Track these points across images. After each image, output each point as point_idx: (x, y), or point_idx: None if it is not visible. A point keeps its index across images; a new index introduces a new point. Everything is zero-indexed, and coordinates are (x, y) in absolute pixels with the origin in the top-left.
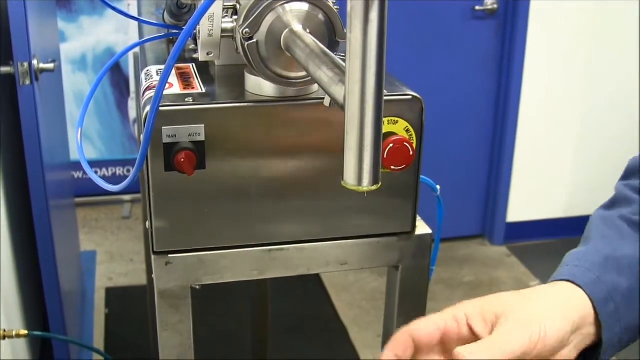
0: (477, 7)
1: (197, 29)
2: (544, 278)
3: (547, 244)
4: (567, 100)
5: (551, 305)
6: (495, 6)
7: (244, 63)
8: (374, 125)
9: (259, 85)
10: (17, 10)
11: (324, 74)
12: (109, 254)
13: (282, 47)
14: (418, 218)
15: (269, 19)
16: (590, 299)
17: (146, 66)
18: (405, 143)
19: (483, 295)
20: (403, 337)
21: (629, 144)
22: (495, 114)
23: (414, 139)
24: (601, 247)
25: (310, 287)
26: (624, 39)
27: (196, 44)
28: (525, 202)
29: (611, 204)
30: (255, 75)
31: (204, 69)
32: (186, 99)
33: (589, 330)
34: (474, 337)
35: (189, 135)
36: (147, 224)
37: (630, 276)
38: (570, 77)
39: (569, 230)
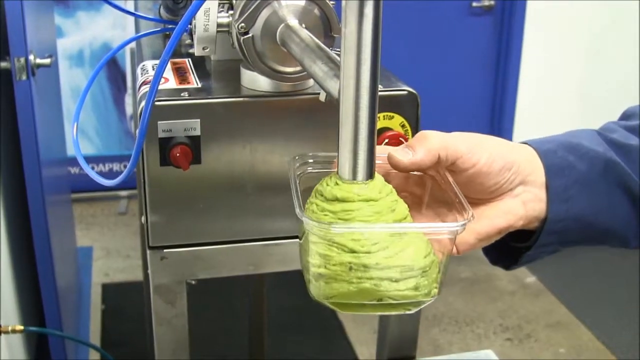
0: (474, 4)
1: (193, 23)
2: (541, 274)
3: None
4: (563, 96)
5: (501, 140)
6: (492, 2)
7: (240, 58)
8: (369, 120)
9: (255, 80)
10: (13, 5)
11: (319, 69)
12: (106, 249)
13: (278, 41)
14: None
15: (264, 14)
16: (543, 163)
17: (142, 61)
18: (400, 138)
19: (481, 294)
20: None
21: None
22: (491, 109)
23: (410, 134)
24: (566, 136)
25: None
26: (622, 35)
27: (192, 39)
28: None
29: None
30: (251, 70)
31: (199, 63)
32: (182, 94)
33: (538, 193)
34: None
35: (185, 130)
36: (143, 218)
37: (591, 165)
38: (566, 73)
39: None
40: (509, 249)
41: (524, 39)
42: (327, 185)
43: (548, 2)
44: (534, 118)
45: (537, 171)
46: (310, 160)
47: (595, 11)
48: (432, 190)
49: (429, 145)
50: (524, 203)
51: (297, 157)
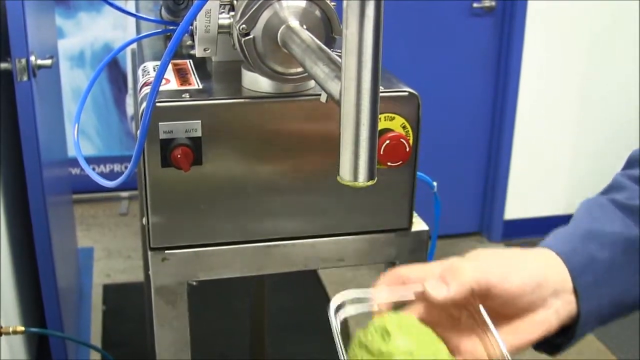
0: (475, 4)
1: (194, 25)
2: None
3: None
4: (564, 97)
5: (521, 256)
6: (493, 3)
7: (241, 59)
8: (370, 121)
9: (256, 81)
10: (14, 6)
11: (320, 70)
12: (107, 250)
13: (279, 43)
14: (415, 215)
15: (265, 15)
16: (567, 267)
17: (143, 62)
18: (401, 139)
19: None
20: (393, 275)
21: (627, 140)
22: (492, 110)
23: (411, 135)
24: (583, 223)
25: (308, 283)
26: (622, 36)
27: (193, 40)
28: (523, 200)
29: (605, 191)
30: (252, 72)
31: (200, 65)
32: (183, 95)
33: (569, 298)
34: None
35: (186, 131)
36: (144, 220)
37: (612, 250)
38: (568, 74)
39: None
40: (549, 341)
41: (525, 40)
42: (371, 337)
43: (549, 3)
44: (535, 119)
45: (565, 279)
46: (350, 298)
47: (596, 12)
48: (468, 311)
49: (462, 278)
50: (556, 311)
51: (335, 302)
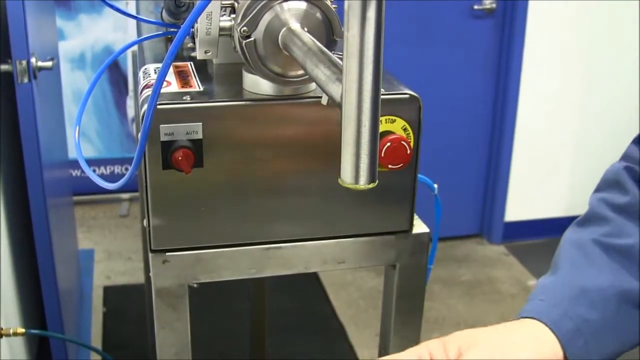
0: (476, 6)
1: (195, 27)
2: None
3: (545, 243)
4: (565, 99)
5: (519, 337)
6: (494, 5)
7: (242, 61)
8: (371, 124)
9: (257, 84)
10: (15, 8)
11: (321, 72)
12: (107, 252)
13: (280, 45)
14: (415, 217)
15: (266, 18)
16: (556, 337)
17: (144, 64)
18: (402, 142)
19: (482, 297)
20: None
21: (627, 143)
22: (493, 113)
23: (412, 137)
24: (571, 277)
25: (308, 285)
26: (623, 38)
27: (194, 43)
28: (523, 201)
29: (584, 221)
30: (253, 74)
31: (202, 67)
32: (184, 97)
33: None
34: None
35: (187, 133)
36: (145, 222)
37: (602, 309)
38: (568, 76)
39: (566, 229)
40: None
41: (526, 42)
42: None
43: (550, 5)
44: (535, 121)
45: (556, 350)
46: None
47: (597, 13)
48: None
49: None
50: None
51: None
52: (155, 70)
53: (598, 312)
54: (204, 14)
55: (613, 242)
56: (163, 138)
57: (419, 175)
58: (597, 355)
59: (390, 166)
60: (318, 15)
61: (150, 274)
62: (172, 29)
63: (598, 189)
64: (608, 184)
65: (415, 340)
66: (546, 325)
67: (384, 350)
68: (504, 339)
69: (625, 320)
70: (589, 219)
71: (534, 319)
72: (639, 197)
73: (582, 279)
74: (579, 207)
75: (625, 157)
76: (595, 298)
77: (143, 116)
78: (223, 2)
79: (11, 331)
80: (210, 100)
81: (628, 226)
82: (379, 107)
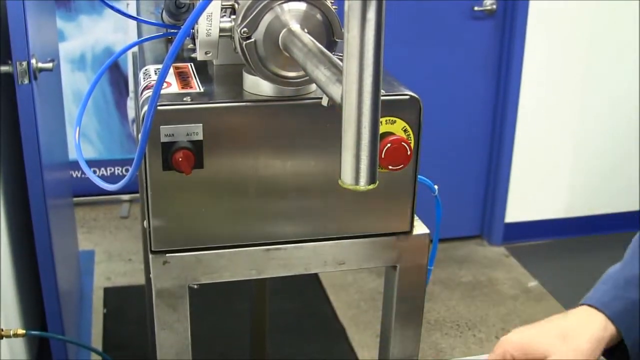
0: (476, 8)
1: (196, 28)
2: (542, 278)
3: (546, 244)
4: (565, 100)
5: (583, 334)
6: (495, 6)
7: (242, 62)
8: (371, 125)
9: (257, 85)
10: (15, 9)
11: (322, 74)
12: (107, 253)
13: (280, 46)
14: (416, 218)
15: (267, 19)
16: (606, 314)
17: (144, 65)
18: (402, 143)
19: (483, 298)
20: None
21: (628, 144)
22: (493, 114)
23: (412, 138)
24: (629, 266)
25: (309, 286)
26: (623, 39)
27: (194, 44)
28: (524, 203)
29: None
30: (254, 75)
31: (202, 68)
32: (184, 98)
33: (613, 336)
34: None
35: (187, 134)
36: (145, 223)
37: None
38: (569, 78)
39: (567, 230)
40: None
41: (526, 42)
42: None
43: (550, 6)
44: (536, 122)
45: (606, 327)
46: None
47: (597, 14)
48: None
49: None
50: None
51: None
52: (155, 71)
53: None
54: (204, 15)
55: None
56: (163, 139)
57: (419, 176)
58: None
59: (390, 167)
60: (318, 16)
61: (151, 275)
62: (173, 30)
63: None
64: None
65: (415, 341)
66: (597, 309)
67: (384, 351)
68: (574, 343)
69: None
70: None
71: (589, 305)
72: None
73: (635, 271)
74: (579, 208)
75: None
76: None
77: (143, 117)
78: (223, 3)
79: (11, 332)
80: (211, 102)
81: None
82: (379, 108)
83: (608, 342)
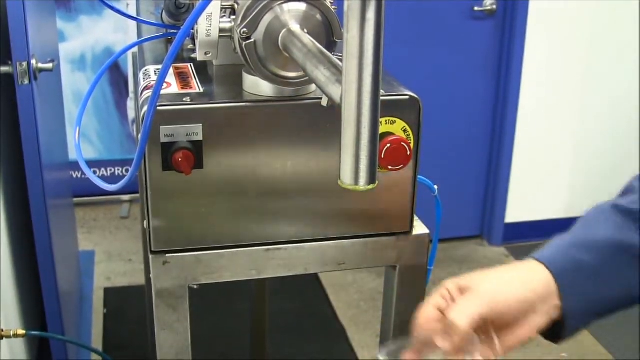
0: (476, 8)
1: (195, 28)
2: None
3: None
4: (565, 100)
5: (511, 277)
6: (495, 7)
7: (242, 63)
8: (371, 125)
9: (257, 85)
10: (15, 9)
11: (321, 74)
12: (108, 253)
13: (280, 47)
14: (416, 218)
15: (266, 19)
16: (550, 271)
17: (144, 66)
18: (402, 143)
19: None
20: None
21: (628, 144)
22: (493, 114)
23: (412, 139)
24: (577, 232)
25: (309, 286)
26: (623, 40)
27: (194, 44)
28: (524, 203)
29: (618, 196)
30: (253, 75)
31: (202, 68)
32: (184, 99)
33: (556, 302)
34: None
35: (187, 134)
36: (145, 223)
37: (599, 255)
38: (569, 78)
39: (566, 230)
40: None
41: (526, 43)
42: None
43: (550, 7)
44: (536, 122)
45: (550, 286)
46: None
47: (597, 14)
48: None
49: (461, 331)
50: (546, 313)
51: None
52: (155, 71)
53: (593, 256)
54: (204, 16)
55: (629, 207)
56: (163, 139)
57: (419, 177)
58: (589, 297)
59: (390, 167)
60: (318, 16)
61: (151, 275)
62: (172, 31)
63: None
64: (624, 192)
65: None
66: (543, 263)
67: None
68: (507, 278)
69: (622, 268)
70: (621, 193)
71: (534, 259)
72: None
73: (586, 234)
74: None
75: None
76: (593, 246)
77: (143, 117)
78: (223, 4)
79: (11, 332)
80: (211, 102)
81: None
82: (378, 109)
83: (549, 314)
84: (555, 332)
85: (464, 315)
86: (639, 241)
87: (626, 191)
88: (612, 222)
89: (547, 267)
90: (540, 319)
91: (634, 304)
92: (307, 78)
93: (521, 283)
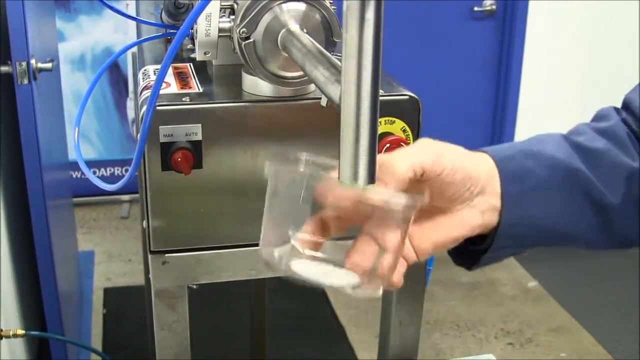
0: (476, 8)
1: (195, 28)
2: (542, 279)
3: None
4: (565, 100)
5: (460, 151)
6: (494, 7)
7: (241, 63)
8: (370, 125)
9: (256, 85)
10: (15, 9)
11: (320, 74)
12: (107, 253)
13: (279, 46)
14: None
15: (266, 19)
16: (500, 171)
17: (144, 66)
18: (401, 143)
19: (482, 299)
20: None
21: None
22: (493, 114)
23: (411, 139)
24: (530, 143)
25: (308, 286)
26: (623, 39)
27: (194, 44)
28: None
29: (592, 119)
30: (252, 75)
31: (201, 68)
32: (183, 99)
33: (495, 204)
34: None
35: (186, 134)
36: (144, 223)
37: (551, 173)
38: (568, 78)
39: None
40: (469, 251)
41: (526, 43)
42: None
43: (550, 6)
44: (536, 122)
45: (494, 181)
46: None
47: (597, 15)
48: None
49: (399, 176)
50: (481, 212)
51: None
52: (154, 71)
53: (544, 171)
54: (203, 15)
55: (583, 143)
56: (162, 139)
57: None
58: (530, 214)
59: None
60: (317, 16)
61: (150, 275)
62: (172, 30)
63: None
64: (598, 118)
65: (415, 342)
66: (494, 159)
67: (383, 351)
68: (454, 147)
69: (565, 196)
70: (569, 133)
71: (486, 152)
72: (619, 122)
73: (539, 146)
74: None
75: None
76: (545, 162)
77: (142, 117)
78: (222, 3)
79: (11, 333)
80: (210, 102)
81: (601, 141)
82: (377, 108)
83: (483, 216)
84: (471, 257)
85: (405, 158)
86: (587, 173)
87: (599, 117)
88: (564, 147)
89: (497, 164)
90: (474, 219)
91: (566, 242)
92: (306, 78)
93: (469, 159)
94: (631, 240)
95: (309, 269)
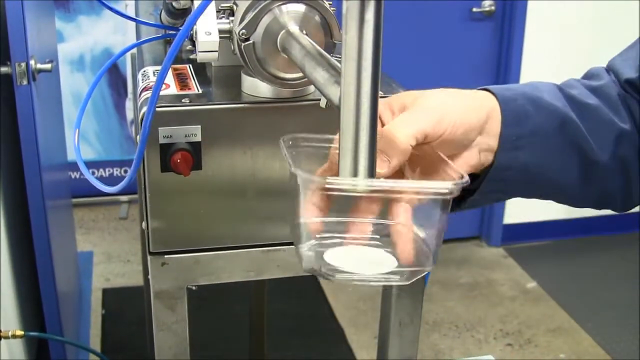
0: (475, 9)
1: (194, 29)
2: (541, 279)
3: (544, 245)
4: None
5: (462, 97)
6: (493, 8)
7: (241, 64)
8: (369, 126)
9: (255, 86)
10: (14, 10)
11: (320, 75)
12: (106, 254)
13: (279, 48)
14: None
15: (265, 20)
16: (501, 112)
17: (143, 67)
18: None
19: (481, 299)
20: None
21: None
22: None
23: None
24: (529, 88)
25: (307, 287)
26: (623, 41)
27: (193, 45)
28: (522, 204)
29: (583, 76)
30: (252, 76)
31: (200, 70)
32: (183, 100)
33: (491, 145)
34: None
35: (185, 136)
36: (143, 224)
37: (548, 119)
38: (567, 78)
39: (565, 232)
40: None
41: (525, 44)
42: None
43: (549, 7)
44: None
45: (495, 121)
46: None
47: (597, 15)
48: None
49: (400, 146)
50: (479, 152)
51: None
52: (154, 72)
53: (541, 117)
54: (202, 16)
55: (576, 96)
56: (162, 141)
57: None
58: (522, 159)
59: None
60: (317, 18)
61: (149, 277)
62: (171, 32)
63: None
64: (588, 76)
65: (414, 342)
66: (497, 99)
67: (382, 352)
68: (455, 95)
69: (558, 145)
70: (561, 85)
71: (489, 91)
72: (611, 82)
73: (539, 92)
74: (578, 210)
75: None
76: (544, 108)
77: (142, 119)
78: (222, 5)
79: (10, 333)
80: (209, 103)
81: (593, 98)
82: (377, 110)
83: (478, 157)
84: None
85: (406, 127)
86: (580, 126)
87: (590, 76)
88: (559, 97)
89: (500, 104)
90: (472, 159)
91: (550, 193)
92: (305, 79)
93: (471, 109)
94: (610, 200)
95: (343, 256)
